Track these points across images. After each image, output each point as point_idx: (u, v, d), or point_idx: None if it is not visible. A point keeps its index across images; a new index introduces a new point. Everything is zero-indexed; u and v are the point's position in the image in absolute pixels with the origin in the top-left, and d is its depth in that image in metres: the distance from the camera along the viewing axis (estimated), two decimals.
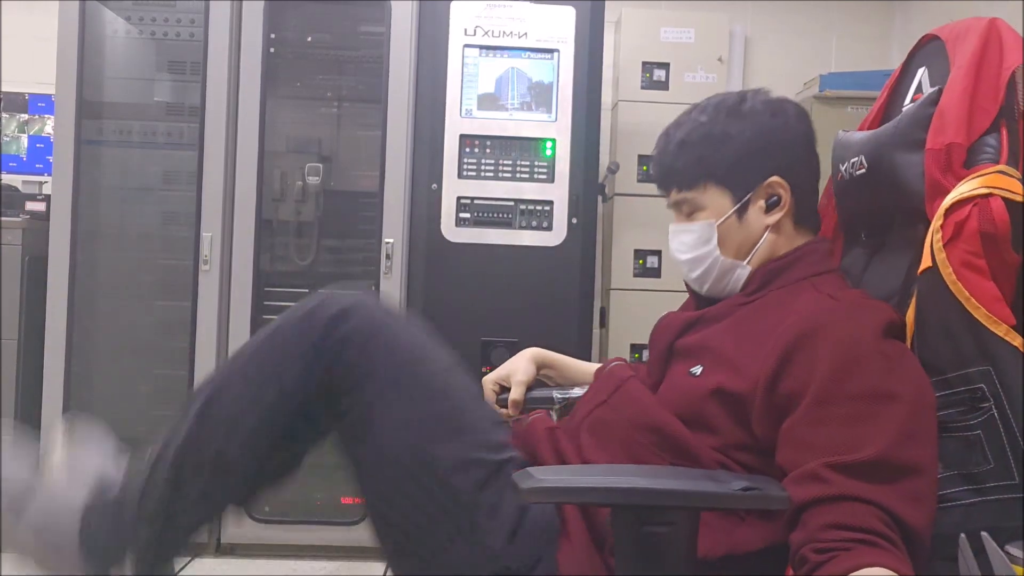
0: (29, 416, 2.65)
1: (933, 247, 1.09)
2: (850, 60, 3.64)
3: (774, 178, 1.25)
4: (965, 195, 1.08)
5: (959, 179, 1.12)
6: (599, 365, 1.48)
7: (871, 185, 1.27)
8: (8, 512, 1.18)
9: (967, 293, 1.06)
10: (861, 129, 1.37)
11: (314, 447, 1.26)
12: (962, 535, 0.97)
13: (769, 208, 1.26)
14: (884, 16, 3.74)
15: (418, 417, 1.18)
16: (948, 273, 1.07)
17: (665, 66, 3.32)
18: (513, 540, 1.14)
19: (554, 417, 1.47)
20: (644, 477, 1.03)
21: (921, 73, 1.29)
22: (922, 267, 1.11)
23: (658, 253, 3.27)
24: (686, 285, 1.37)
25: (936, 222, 1.09)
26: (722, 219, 1.26)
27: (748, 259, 1.27)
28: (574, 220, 2.69)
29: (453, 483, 1.15)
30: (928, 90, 1.24)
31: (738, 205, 1.26)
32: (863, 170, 1.27)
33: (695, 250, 1.28)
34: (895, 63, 1.36)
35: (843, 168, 1.33)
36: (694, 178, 1.27)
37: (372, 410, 1.18)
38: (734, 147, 1.25)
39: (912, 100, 1.29)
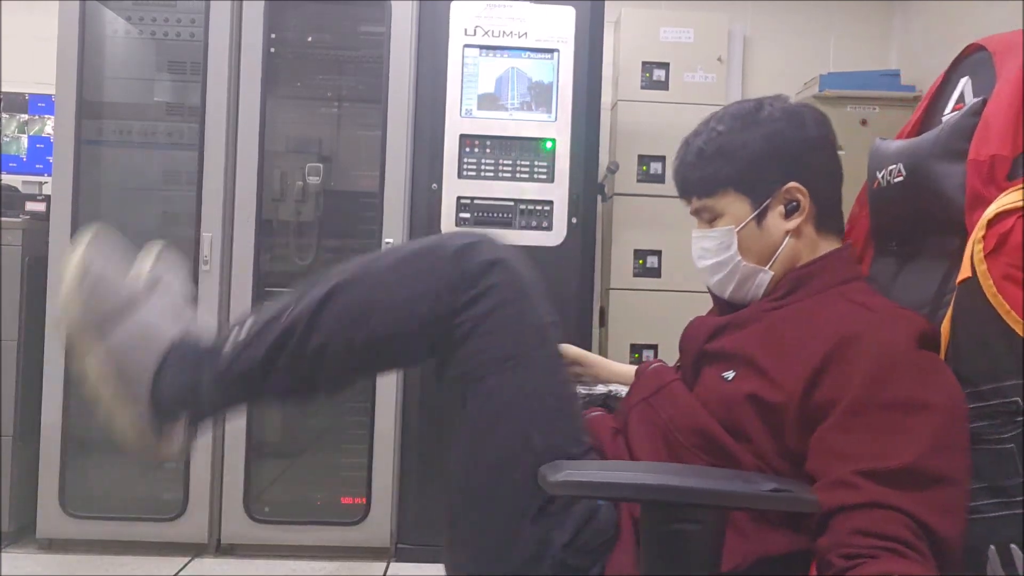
0: (29, 416, 2.66)
1: (974, 258, 1.08)
2: (850, 60, 3.64)
3: (792, 184, 1.25)
4: (1008, 207, 1.06)
5: (1001, 191, 1.11)
6: (631, 366, 1.51)
7: (908, 193, 1.26)
8: (95, 328, 1.19)
9: (1007, 306, 1.04)
10: (899, 138, 1.36)
11: (404, 368, 1.28)
12: (992, 547, 0.97)
13: (788, 214, 1.26)
14: (883, 16, 3.74)
15: (532, 391, 1.19)
16: (988, 285, 1.06)
17: (665, 66, 3.33)
18: (576, 539, 1.15)
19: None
20: (673, 475, 1.03)
21: (964, 83, 1.28)
22: (961, 277, 1.10)
23: (658, 253, 3.27)
24: (710, 292, 1.37)
25: (978, 232, 1.08)
26: (741, 225, 1.27)
27: (770, 264, 1.27)
28: (574, 220, 2.70)
29: (541, 466, 1.16)
30: (971, 100, 1.23)
31: (757, 211, 1.26)
32: (901, 178, 1.27)
33: (716, 256, 1.29)
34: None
35: (880, 176, 1.32)
36: (712, 186, 1.28)
37: (492, 365, 1.19)
38: (750, 154, 1.26)
39: (953, 110, 1.28)
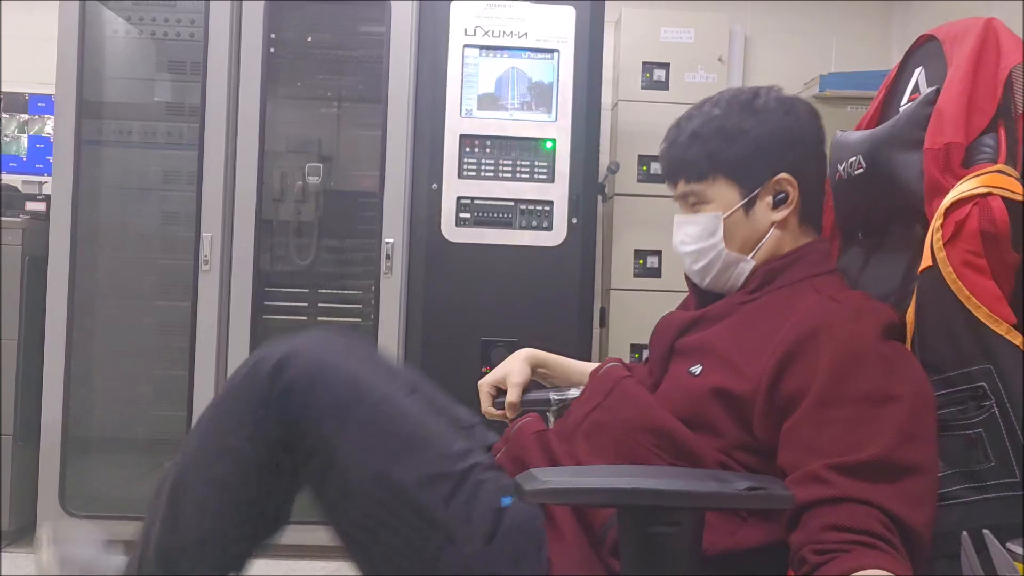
0: (29, 416, 2.66)
1: (933, 246, 1.09)
2: (850, 60, 3.64)
3: (783, 175, 1.25)
4: (965, 194, 1.08)
5: (958, 178, 1.12)
6: (595, 364, 1.48)
7: (869, 184, 1.28)
8: None
9: (968, 292, 1.06)
10: (858, 129, 1.37)
11: (293, 497, 1.26)
12: (964, 533, 0.98)
13: (776, 204, 1.26)
14: (884, 16, 3.74)
15: (372, 446, 1.18)
16: (948, 272, 1.07)
17: (665, 66, 3.32)
18: (492, 542, 1.15)
19: (551, 419, 1.47)
20: (649, 478, 1.03)
21: (918, 73, 1.29)
22: (922, 266, 1.11)
23: (658, 253, 3.27)
24: (686, 279, 1.37)
25: (936, 221, 1.10)
26: (729, 212, 1.26)
27: (752, 254, 1.27)
28: (574, 220, 2.69)
29: (420, 502, 1.16)
30: (925, 90, 1.24)
31: (746, 200, 1.26)
32: (861, 170, 1.28)
33: (699, 242, 1.28)
34: (895, 63, 1.37)
35: (841, 168, 1.33)
36: (704, 170, 1.27)
37: (328, 450, 1.18)
38: (746, 142, 1.25)
39: (909, 100, 1.29)
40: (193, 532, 1.18)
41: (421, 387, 1.30)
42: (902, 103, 1.31)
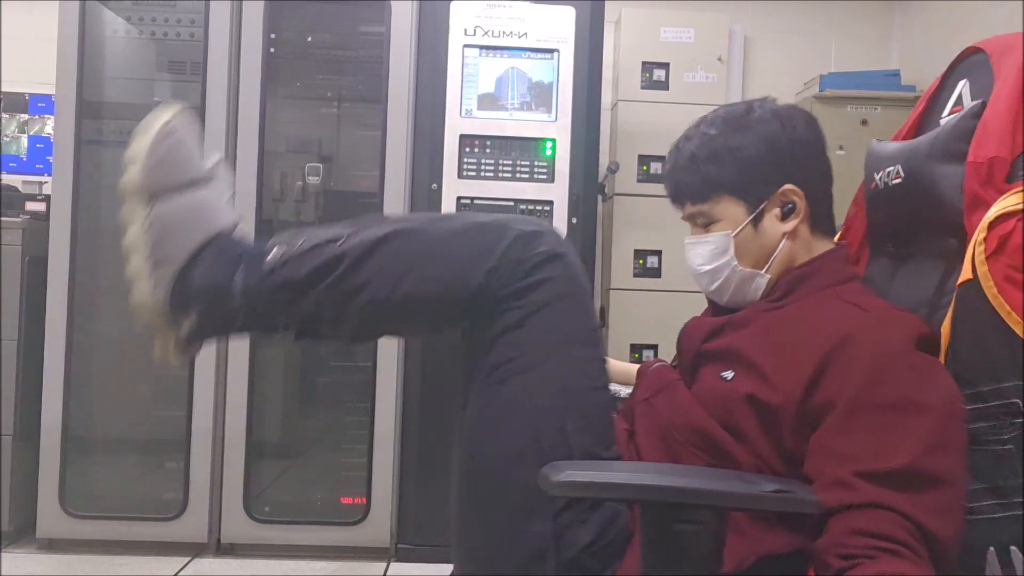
0: (29, 416, 2.66)
1: (975, 259, 1.08)
2: (850, 60, 3.64)
3: (788, 186, 1.25)
4: (1010, 208, 1.07)
5: (1000, 193, 1.11)
6: (631, 364, 1.51)
7: (906, 195, 1.27)
8: (159, 191, 1.18)
9: (1008, 307, 1.05)
10: (896, 139, 1.36)
11: (427, 335, 1.26)
12: (991, 549, 0.97)
13: (785, 216, 1.26)
14: (884, 16, 3.74)
15: (570, 390, 1.18)
16: (990, 286, 1.06)
17: (665, 66, 3.33)
18: (597, 541, 1.15)
19: None
20: (673, 475, 1.03)
21: (962, 85, 1.28)
22: (961, 279, 1.10)
23: (658, 253, 3.27)
24: (707, 297, 1.37)
25: (979, 234, 1.09)
26: (738, 229, 1.26)
27: (766, 268, 1.27)
28: (574, 220, 2.69)
29: (573, 443, 1.15)
30: (969, 103, 1.23)
31: (753, 215, 1.26)
32: (899, 180, 1.27)
33: (713, 262, 1.28)
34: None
35: (877, 177, 1.32)
36: (707, 191, 1.27)
37: (536, 356, 1.17)
38: (745, 157, 1.25)
39: (951, 112, 1.28)
40: (369, 277, 1.18)
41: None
42: (943, 115, 1.30)
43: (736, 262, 1.27)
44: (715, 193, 1.27)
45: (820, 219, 1.29)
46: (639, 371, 1.41)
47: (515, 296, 1.17)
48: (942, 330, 1.13)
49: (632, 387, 1.43)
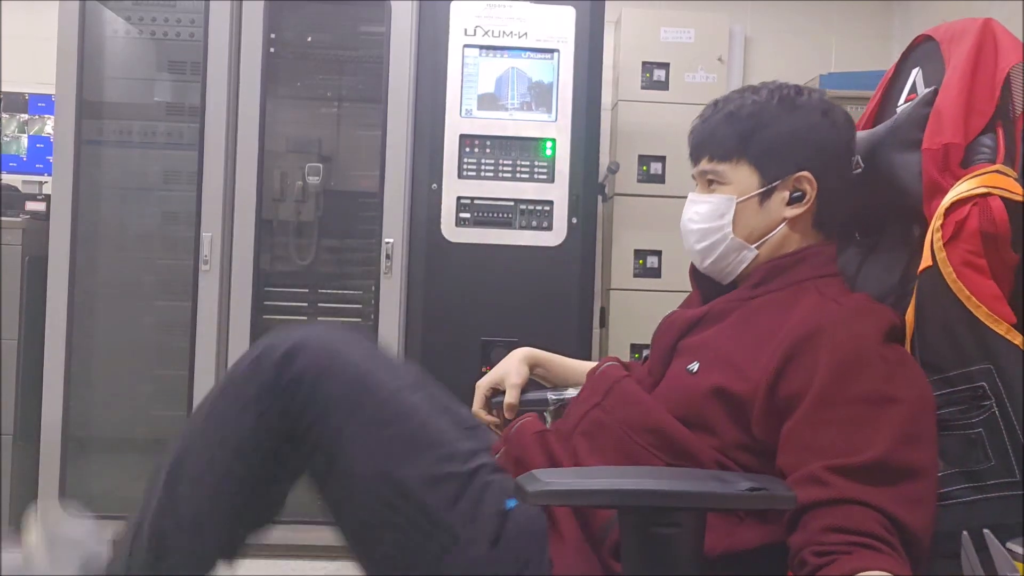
0: (29, 416, 2.66)
1: (933, 246, 1.09)
2: (850, 60, 3.64)
3: (805, 173, 1.25)
4: (964, 194, 1.08)
5: (956, 179, 1.12)
6: (593, 364, 1.48)
7: (867, 185, 1.28)
8: None
9: (968, 292, 1.06)
10: (857, 129, 1.37)
11: (291, 487, 1.25)
12: (964, 533, 0.98)
13: (792, 201, 1.25)
14: (884, 16, 3.74)
15: (379, 443, 1.17)
16: (948, 272, 1.08)
17: (665, 66, 3.32)
18: (497, 545, 1.15)
19: (548, 419, 1.47)
20: (651, 478, 1.03)
21: (915, 74, 1.29)
22: (922, 266, 1.11)
23: (658, 253, 3.27)
24: (690, 275, 1.36)
25: (936, 221, 1.10)
26: (744, 198, 1.26)
27: (757, 245, 1.26)
28: (574, 220, 2.69)
29: (427, 502, 1.15)
30: (922, 91, 1.25)
31: (763, 189, 1.25)
32: (859, 170, 1.28)
33: (708, 222, 1.27)
34: (895, 63, 1.37)
35: None
36: (730, 151, 1.26)
37: (334, 444, 1.17)
38: (777, 132, 1.25)
39: (906, 100, 1.29)
40: (188, 513, 1.18)
41: (426, 385, 1.29)
42: (899, 103, 1.31)
43: (730, 228, 1.26)
44: (738, 156, 1.26)
45: (825, 219, 1.28)
46: (588, 373, 1.40)
47: (286, 414, 1.17)
48: (907, 317, 1.14)
49: (578, 388, 1.42)
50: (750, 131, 1.25)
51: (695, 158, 1.32)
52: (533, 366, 1.52)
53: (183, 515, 1.18)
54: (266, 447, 1.18)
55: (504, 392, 1.47)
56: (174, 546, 1.18)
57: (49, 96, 3.26)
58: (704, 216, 1.28)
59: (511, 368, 1.49)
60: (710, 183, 1.29)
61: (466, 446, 1.22)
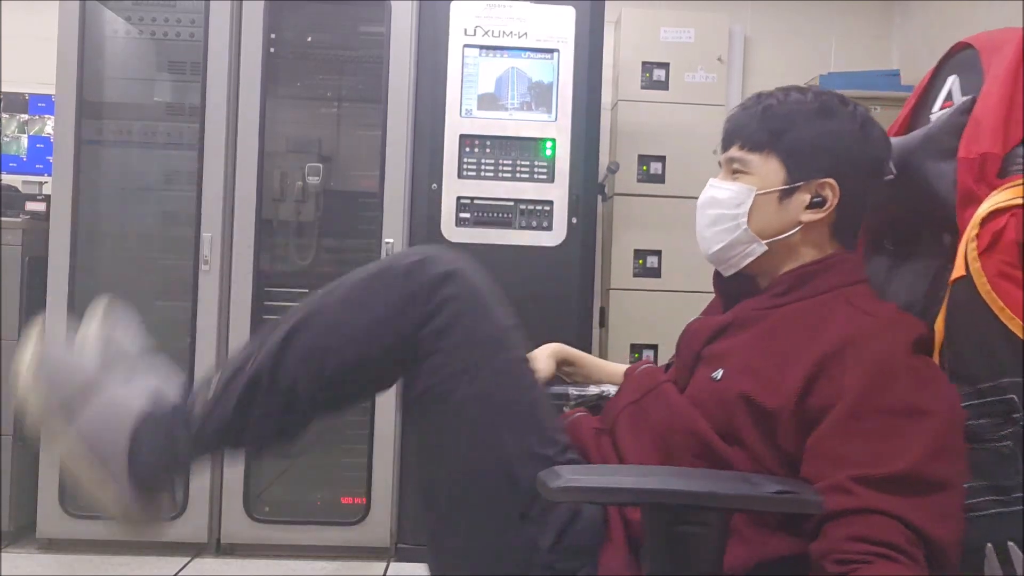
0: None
1: (967, 256, 1.08)
2: (850, 60, 3.64)
3: (830, 180, 1.24)
4: (1002, 205, 1.07)
5: (992, 188, 1.11)
6: (623, 366, 1.49)
7: (899, 192, 1.26)
8: (60, 413, 1.18)
9: (1001, 303, 1.04)
10: (888, 136, 1.36)
11: (378, 393, 1.29)
12: (988, 545, 0.97)
13: (811, 206, 1.25)
14: (884, 16, 3.74)
15: (498, 398, 1.19)
16: (983, 283, 1.06)
17: (665, 66, 3.32)
18: (560, 541, 1.15)
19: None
20: (676, 477, 1.03)
21: (952, 81, 1.28)
22: (955, 276, 1.10)
23: (658, 253, 3.27)
24: (714, 282, 1.35)
25: (971, 231, 1.08)
26: (764, 191, 1.25)
27: (767, 242, 1.25)
28: (574, 220, 2.70)
29: (515, 471, 1.16)
30: (959, 99, 1.23)
31: (786, 187, 1.25)
32: (891, 176, 1.26)
33: (723, 208, 1.27)
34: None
35: None
36: (762, 142, 1.26)
37: (455, 378, 1.18)
38: (813, 132, 1.24)
39: (941, 108, 1.28)
40: (294, 378, 1.18)
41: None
42: (933, 111, 1.29)
43: (745, 219, 1.25)
44: (767, 148, 1.25)
45: (843, 229, 1.27)
46: (626, 373, 1.41)
47: (420, 326, 1.19)
48: (936, 327, 1.13)
49: (604, 386, 1.43)
50: (783, 128, 1.25)
51: (726, 144, 1.31)
52: (561, 363, 1.53)
53: (282, 382, 1.18)
54: (390, 349, 1.20)
55: None
56: (260, 410, 1.19)
57: (49, 96, 3.26)
58: (721, 203, 1.27)
59: (538, 363, 1.49)
60: (735, 172, 1.28)
61: (564, 438, 1.24)
